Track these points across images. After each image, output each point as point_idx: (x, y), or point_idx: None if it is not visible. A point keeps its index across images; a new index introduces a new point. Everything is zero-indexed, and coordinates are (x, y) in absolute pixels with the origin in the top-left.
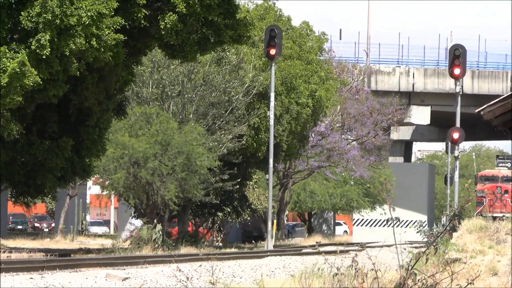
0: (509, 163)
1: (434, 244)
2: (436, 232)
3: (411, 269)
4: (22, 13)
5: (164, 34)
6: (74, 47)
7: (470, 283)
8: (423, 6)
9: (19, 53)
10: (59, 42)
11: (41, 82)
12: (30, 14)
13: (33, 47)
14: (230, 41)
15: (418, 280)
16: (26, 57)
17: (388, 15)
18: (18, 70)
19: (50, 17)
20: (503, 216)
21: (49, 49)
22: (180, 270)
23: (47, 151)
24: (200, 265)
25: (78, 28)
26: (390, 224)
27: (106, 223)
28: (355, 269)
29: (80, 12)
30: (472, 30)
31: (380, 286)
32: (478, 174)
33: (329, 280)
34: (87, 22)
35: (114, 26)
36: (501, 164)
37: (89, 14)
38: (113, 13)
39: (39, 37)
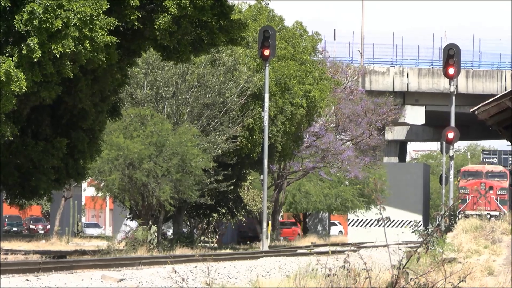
0: (495, 158)
1: (426, 242)
2: (431, 232)
3: (403, 268)
4: (16, 16)
5: (158, 35)
6: (62, 49)
7: (462, 281)
8: (417, 6)
9: (13, 57)
10: (50, 45)
11: (26, 89)
12: (23, 18)
13: (24, 52)
14: (224, 42)
15: (411, 279)
16: (13, 64)
17: (382, 15)
18: (4, 78)
19: (37, 23)
20: (488, 214)
21: (40, 52)
22: (175, 271)
23: (41, 152)
24: (196, 266)
25: (67, 30)
26: (382, 224)
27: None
28: (347, 269)
29: (69, 15)
30: (466, 29)
31: (372, 286)
32: (460, 170)
33: (324, 281)
34: (78, 24)
35: (108, 27)
36: (487, 159)
37: (78, 16)
38: (102, 14)
39: (29, 41)
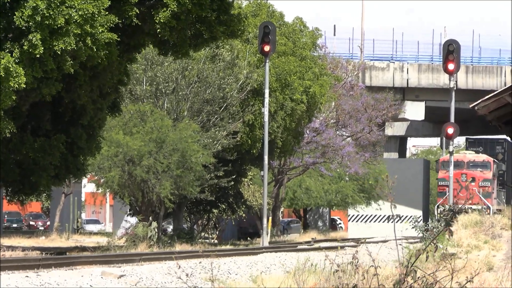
0: (481, 147)
1: (435, 242)
2: (431, 227)
3: (411, 266)
4: (16, 12)
5: (158, 28)
6: (63, 46)
7: (470, 281)
8: (416, 1)
9: (12, 52)
10: (51, 42)
11: (24, 86)
12: (24, 14)
13: (25, 47)
14: (223, 36)
15: (418, 277)
16: (12, 60)
17: (382, 10)
18: (3, 74)
19: (39, 19)
20: (469, 208)
21: (42, 48)
22: (179, 267)
23: (39, 150)
24: (200, 262)
25: (68, 27)
26: (390, 220)
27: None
28: (355, 265)
29: (71, 12)
30: (466, 24)
31: (379, 283)
32: (440, 159)
33: (324, 276)
34: (79, 21)
35: (108, 24)
36: (471, 148)
37: (80, 13)
38: (103, 11)
39: (31, 37)
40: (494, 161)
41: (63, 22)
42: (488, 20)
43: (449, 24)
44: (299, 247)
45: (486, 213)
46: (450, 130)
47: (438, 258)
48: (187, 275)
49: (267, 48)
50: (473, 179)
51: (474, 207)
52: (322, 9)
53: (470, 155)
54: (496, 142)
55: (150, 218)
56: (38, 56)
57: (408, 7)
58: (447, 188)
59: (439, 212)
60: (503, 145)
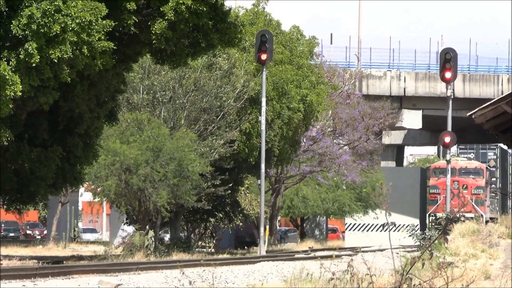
0: (472, 153)
1: (430, 249)
2: (429, 236)
3: (406, 274)
4: (13, 21)
5: (154, 39)
6: (60, 54)
7: None
8: (414, 10)
9: (9, 61)
10: (47, 50)
11: (20, 94)
12: (20, 23)
13: (21, 56)
14: (220, 44)
15: (414, 285)
16: (8, 68)
17: (379, 19)
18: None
19: (35, 27)
20: (462, 216)
21: (38, 57)
22: (183, 273)
23: (35, 160)
24: (200, 271)
25: (65, 35)
26: (385, 229)
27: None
28: (351, 273)
29: (67, 20)
30: (464, 25)
31: None
32: (431, 166)
33: (320, 284)
34: (76, 29)
35: (105, 30)
36: (462, 155)
37: (77, 21)
38: (101, 19)
39: (27, 46)
40: (487, 168)
41: (58, 30)
42: (487, 20)
43: (448, 24)
44: (296, 256)
45: (479, 221)
46: (447, 139)
47: (435, 267)
48: (190, 282)
49: (264, 56)
50: (465, 187)
51: (467, 215)
52: (319, 15)
53: (462, 162)
54: (488, 148)
55: (147, 227)
56: (34, 65)
57: (405, 7)
58: (438, 196)
59: (430, 221)
60: (496, 151)
